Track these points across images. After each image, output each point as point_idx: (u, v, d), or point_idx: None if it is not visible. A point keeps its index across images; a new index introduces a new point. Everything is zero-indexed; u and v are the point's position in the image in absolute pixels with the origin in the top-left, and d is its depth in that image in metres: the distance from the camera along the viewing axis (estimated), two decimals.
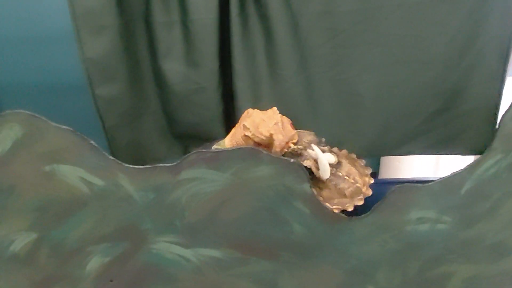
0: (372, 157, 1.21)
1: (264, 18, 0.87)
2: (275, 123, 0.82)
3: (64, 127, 0.73)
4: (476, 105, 0.99)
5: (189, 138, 1.06)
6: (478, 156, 0.81)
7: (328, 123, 1.03)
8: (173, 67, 0.93)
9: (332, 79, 0.96)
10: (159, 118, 1.02)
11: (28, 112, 0.71)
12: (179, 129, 1.05)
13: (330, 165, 0.82)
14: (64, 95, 1.42)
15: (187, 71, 0.94)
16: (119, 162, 0.75)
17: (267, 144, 0.83)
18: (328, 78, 0.96)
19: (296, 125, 1.01)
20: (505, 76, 0.97)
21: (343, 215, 0.80)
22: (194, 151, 0.75)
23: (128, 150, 1.01)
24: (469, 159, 1.23)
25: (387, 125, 1.03)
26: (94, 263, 0.84)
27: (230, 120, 0.99)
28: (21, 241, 0.80)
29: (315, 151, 0.81)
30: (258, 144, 0.84)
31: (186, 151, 1.09)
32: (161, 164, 0.76)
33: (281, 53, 0.90)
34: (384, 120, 1.02)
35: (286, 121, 0.87)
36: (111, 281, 0.86)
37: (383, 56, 0.94)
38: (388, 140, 1.06)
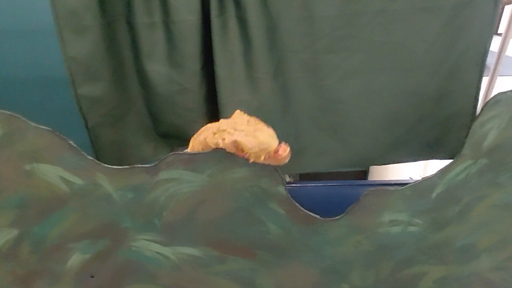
0: (359, 168, 1.21)
1: (242, 21, 0.88)
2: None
3: (43, 127, 0.74)
4: (455, 111, 1.01)
5: (174, 138, 1.07)
6: None
7: (309, 130, 1.03)
8: (156, 68, 0.94)
9: (313, 85, 0.97)
10: (144, 118, 1.03)
11: (8, 112, 0.72)
12: (164, 130, 1.05)
13: None
14: (52, 89, 1.42)
15: (169, 72, 0.94)
16: (98, 162, 0.77)
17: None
18: (309, 83, 0.97)
19: (276, 130, 1.01)
20: (480, 82, 0.99)
21: (318, 216, 0.82)
22: (171, 153, 0.76)
23: (113, 150, 1.02)
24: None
25: (371, 134, 1.03)
26: (75, 259, 0.86)
27: (213, 121, 1.00)
28: (2, 237, 0.82)
29: None
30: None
31: (172, 151, 1.10)
32: (139, 165, 0.78)
33: (259, 56, 0.91)
34: (368, 129, 1.03)
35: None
36: (92, 277, 0.88)
37: (364, 63, 0.95)
38: (372, 151, 1.06)
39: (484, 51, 0.96)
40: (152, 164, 0.78)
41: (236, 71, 0.92)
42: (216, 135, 0.75)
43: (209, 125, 0.81)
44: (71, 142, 0.75)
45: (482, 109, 0.75)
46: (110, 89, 0.94)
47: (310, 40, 0.92)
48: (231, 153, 0.75)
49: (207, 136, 0.77)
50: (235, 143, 0.72)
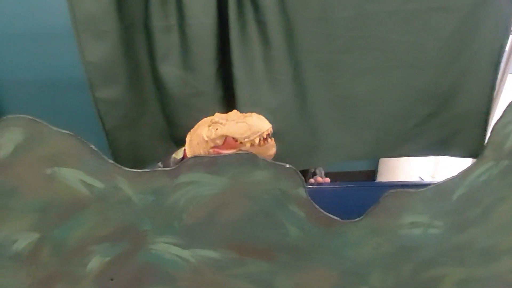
0: (368, 159, 1.23)
1: (261, 24, 0.88)
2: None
3: (64, 131, 0.74)
4: (468, 109, 1.01)
5: None
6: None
7: (324, 126, 1.04)
8: (171, 71, 0.94)
9: (328, 83, 0.98)
10: (159, 121, 1.04)
11: (29, 117, 0.73)
12: (178, 132, 1.06)
13: None
14: (68, 92, 1.43)
15: (184, 75, 0.95)
16: (118, 165, 0.77)
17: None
18: (324, 82, 0.98)
19: (293, 129, 1.02)
20: (495, 81, 0.99)
21: (338, 218, 0.82)
22: (192, 156, 0.76)
23: (129, 152, 1.02)
24: (467, 159, 1.25)
25: (382, 128, 1.05)
26: (95, 262, 0.86)
27: None
28: (23, 241, 0.82)
29: None
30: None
31: None
32: (159, 168, 0.78)
33: (279, 58, 0.91)
34: (379, 123, 1.04)
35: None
36: (112, 279, 0.89)
37: (378, 61, 0.96)
38: (383, 143, 1.07)
39: (500, 50, 0.96)
40: (173, 167, 0.78)
41: (255, 73, 0.92)
42: (210, 127, 0.78)
43: (204, 119, 0.82)
44: (92, 146, 0.75)
45: (504, 110, 0.75)
46: (126, 92, 0.94)
47: (326, 40, 0.92)
48: (252, 155, 0.75)
49: (203, 130, 0.80)
50: (228, 133, 0.75)
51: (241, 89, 0.93)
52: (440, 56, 0.95)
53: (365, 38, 0.93)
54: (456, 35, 0.93)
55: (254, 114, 0.76)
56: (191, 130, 0.85)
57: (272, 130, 0.75)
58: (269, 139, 0.78)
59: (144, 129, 1.03)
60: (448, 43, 0.94)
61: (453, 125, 1.05)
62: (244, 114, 0.79)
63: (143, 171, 0.78)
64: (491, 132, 0.77)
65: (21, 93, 1.49)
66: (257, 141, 0.73)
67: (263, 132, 0.73)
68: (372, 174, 2.60)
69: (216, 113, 0.80)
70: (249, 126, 0.73)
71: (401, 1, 0.90)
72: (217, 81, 0.97)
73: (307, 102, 1.00)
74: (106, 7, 0.83)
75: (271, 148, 0.79)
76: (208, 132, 0.78)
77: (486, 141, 0.78)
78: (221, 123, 0.76)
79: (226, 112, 1.01)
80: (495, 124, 0.76)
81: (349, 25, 0.91)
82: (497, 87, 1.19)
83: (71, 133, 0.75)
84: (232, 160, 0.76)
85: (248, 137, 0.73)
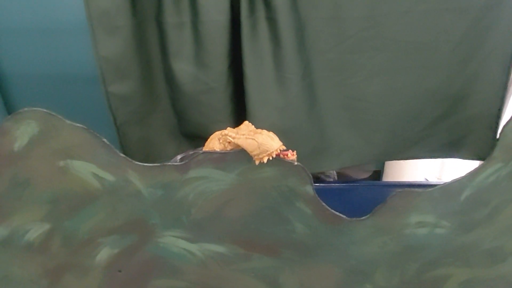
0: (378, 162, 1.22)
1: (272, 22, 0.88)
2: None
3: (78, 124, 0.76)
4: (479, 111, 1.01)
5: (198, 137, 1.08)
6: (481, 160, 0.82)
7: (333, 127, 1.04)
8: (183, 67, 0.95)
9: (338, 84, 0.98)
10: (169, 117, 1.04)
11: (45, 110, 0.74)
12: (188, 129, 1.07)
13: None
14: (79, 87, 1.44)
15: (196, 72, 0.95)
16: (129, 159, 0.78)
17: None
18: (335, 82, 0.98)
19: (301, 129, 1.02)
20: (507, 83, 0.98)
21: (344, 216, 0.83)
22: (202, 152, 0.78)
23: (139, 147, 1.03)
24: (474, 162, 1.24)
25: (392, 130, 1.04)
26: (104, 253, 0.88)
27: (238, 121, 1.01)
28: (35, 231, 0.84)
29: None
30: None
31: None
32: (169, 163, 0.79)
33: (289, 57, 0.91)
34: (389, 125, 1.04)
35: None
36: (119, 271, 0.90)
37: (389, 62, 0.95)
38: (393, 146, 1.07)
39: None
40: (182, 162, 0.79)
41: (265, 71, 0.92)
42: (221, 141, 0.80)
43: (216, 132, 0.84)
44: (104, 139, 0.77)
45: None
46: (138, 87, 0.95)
47: (337, 40, 0.92)
48: None
49: (214, 144, 0.82)
50: (238, 147, 0.77)
51: (251, 86, 0.94)
52: (451, 58, 0.95)
53: (376, 39, 0.93)
54: (468, 36, 0.93)
55: (264, 132, 0.78)
56: (205, 143, 0.87)
57: (283, 148, 0.76)
58: (290, 157, 0.79)
59: (154, 124, 1.04)
60: (460, 45, 0.94)
61: (463, 127, 1.04)
62: (255, 130, 0.80)
63: (153, 165, 0.79)
64: (501, 133, 0.77)
65: (33, 87, 1.50)
66: (265, 160, 0.75)
67: (272, 152, 0.75)
68: (377, 174, 2.59)
69: (228, 128, 0.82)
70: (258, 144, 0.75)
71: (413, 1, 0.89)
72: (229, 78, 0.97)
73: (316, 102, 1.00)
74: (120, 2, 0.84)
75: None
76: (220, 145, 0.81)
77: (495, 142, 0.78)
78: (231, 136, 0.78)
79: (236, 109, 1.03)
80: (505, 126, 0.76)
81: (361, 25, 0.91)
82: (508, 89, 1.19)
83: (84, 127, 0.76)
84: (241, 156, 0.77)
85: (257, 155, 0.75)
